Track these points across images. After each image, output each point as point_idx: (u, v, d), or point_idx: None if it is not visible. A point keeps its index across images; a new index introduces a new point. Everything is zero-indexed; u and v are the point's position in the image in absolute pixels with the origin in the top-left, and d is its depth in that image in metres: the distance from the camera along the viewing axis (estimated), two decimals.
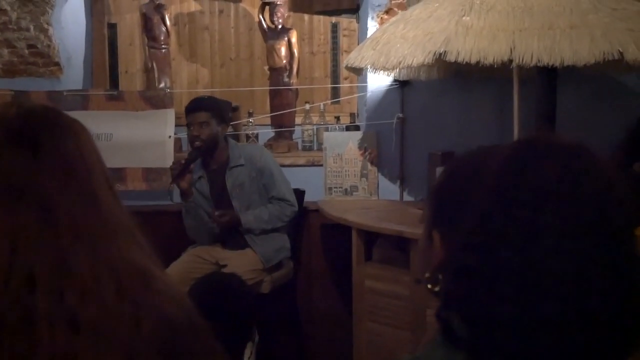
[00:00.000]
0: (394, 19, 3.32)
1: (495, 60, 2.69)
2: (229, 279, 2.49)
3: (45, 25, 3.94)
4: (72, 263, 0.94)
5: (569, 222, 0.76)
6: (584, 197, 0.77)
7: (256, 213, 3.45)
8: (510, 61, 2.72)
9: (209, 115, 3.39)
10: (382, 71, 3.33)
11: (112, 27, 4.39)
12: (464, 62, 2.74)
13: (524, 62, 2.68)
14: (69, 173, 1.00)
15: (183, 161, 3.37)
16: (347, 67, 3.42)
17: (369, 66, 3.14)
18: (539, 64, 2.67)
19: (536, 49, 2.66)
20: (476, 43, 2.69)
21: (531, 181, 0.78)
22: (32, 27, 3.94)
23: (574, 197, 0.77)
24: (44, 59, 4.01)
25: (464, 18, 2.79)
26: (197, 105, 3.43)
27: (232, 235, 3.48)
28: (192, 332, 1.04)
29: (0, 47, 3.96)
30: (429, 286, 0.91)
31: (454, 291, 0.81)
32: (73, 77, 4.11)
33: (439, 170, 3.48)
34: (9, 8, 3.88)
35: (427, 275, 0.92)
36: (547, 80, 3.11)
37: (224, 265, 3.36)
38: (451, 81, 3.78)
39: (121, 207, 1.09)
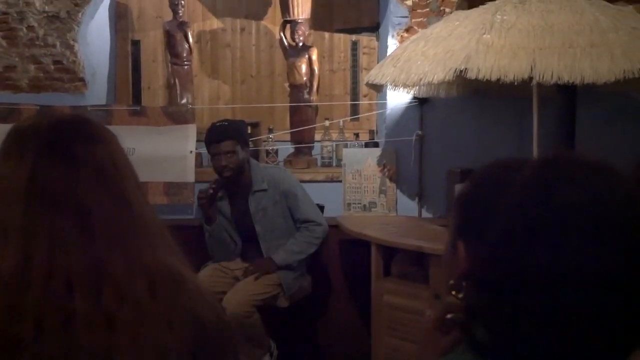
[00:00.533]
0: (414, 36, 3.36)
1: (515, 78, 2.72)
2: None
3: (71, 42, 4.02)
4: (108, 265, 0.99)
5: (593, 239, 0.77)
6: (608, 214, 0.79)
7: (287, 248, 3.43)
8: (531, 79, 2.75)
9: (234, 143, 3.35)
10: (402, 88, 3.37)
11: (136, 44, 4.47)
12: (484, 80, 2.78)
13: (544, 79, 2.70)
14: (102, 178, 1.04)
15: (211, 191, 3.36)
16: (367, 84, 3.47)
17: (389, 83, 3.18)
18: (559, 82, 2.70)
19: (556, 67, 2.69)
20: (497, 60, 2.72)
21: (556, 199, 0.79)
22: (58, 44, 4.02)
23: (598, 215, 0.78)
24: (69, 75, 4.10)
25: (484, 36, 2.83)
26: (221, 135, 3.37)
27: (252, 250, 3.51)
28: (222, 332, 1.07)
29: (27, 63, 4.05)
30: (453, 293, 0.91)
31: (477, 302, 0.83)
32: (97, 92, 4.19)
33: (457, 187, 3.51)
34: (36, 25, 3.97)
35: (451, 282, 0.92)
36: (566, 98, 3.13)
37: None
38: (470, 99, 3.81)
39: (151, 209, 1.13)
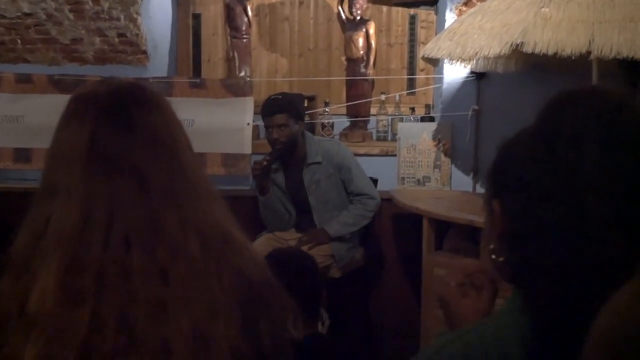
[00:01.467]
0: (471, 10, 3.33)
1: (573, 52, 2.67)
2: (301, 256, 2.57)
3: (135, 15, 4.13)
4: (162, 224, 1.05)
5: (609, 159, 0.80)
6: (623, 138, 0.81)
7: (340, 219, 3.48)
8: (589, 53, 2.70)
9: (286, 116, 3.38)
10: (458, 62, 3.35)
11: (197, 17, 4.56)
12: (541, 54, 2.74)
13: (602, 54, 2.65)
14: (158, 143, 1.11)
15: (265, 163, 3.42)
16: (423, 58, 3.46)
17: (445, 57, 3.17)
18: (618, 57, 2.64)
19: (616, 42, 2.64)
20: (554, 34, 2.68)
21: (571, 116, 0.84)
22: (122, 17, 4.14)
23: (613, 135, 0.81)
24: (132, 48, 4.22)
25: (542, 9, 2.78)
26: (274, 108, 3.41)
27: (306, 221, 3.57)
28: (269, 288, 1.13)
29: (93, 36, 4.19)
30: (493, 257, 0.93)
31: (515, 256, 0.85)
32: (158, 65, 4.30)
33: None
34: None
35: (491, 246, 0.94)
36: (627, 73, 3.05)
37: None
38: (528, 74, 3.75)
39: (205, 175, 1.20)
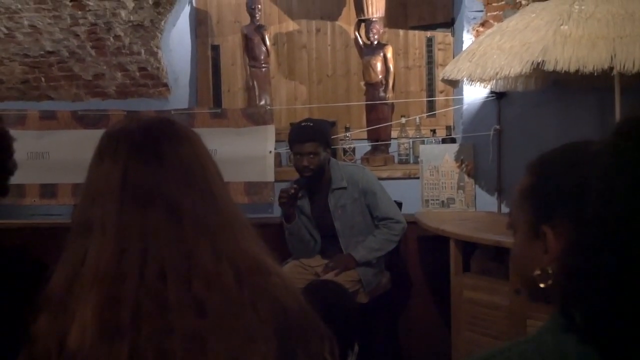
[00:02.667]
0: (489, 30, 3.34)
1: (595, 69, 2.66)
2: (336, 289, 2.55)
3: (155, 49, 4.20)
4: (197, 255, 1.06)
5: None
6: None
7: (366, 244, 3.46)
8: (611, 69, 2.68)
9: (317, 144, 3.36)
10: (478, 83, 3.35)
11: (215, 48, 4.61)
12: (563, 71, 2.73)
13: (625, 69, 2.64)
14: (189, 175, 1.12)
15: (292, 191, 3.40)
16: (443, 80, 3.46)
17: (465, 78, 3.17)
18: None
19: (638, 56, 2.62)
20: (575, 51, 2.68)
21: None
22: (143, 51, 4.21)
23: None
24: (153, 81, 4.28)
25: (562, 27, 2.78)
26: (305, 136, 3.38)
27: (332, 247, 3.56)
28: (305, 317, 1.12)
29: (114, 71, 4.25)
30: (541, 285, 0.90)
31: (577, 287, 0.80)
32: (179, 96, 4.35)
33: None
34: (122, 34, 4.16)
35: (537, 272, 0.91)
36: None
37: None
38: (549, 92, 3.74)
39: (235, 205, 1.20)
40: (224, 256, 1.08)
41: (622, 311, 0.76)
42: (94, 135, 1.18)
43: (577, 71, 2.70)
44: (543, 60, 2.72)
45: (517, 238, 0.97)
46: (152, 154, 1.11)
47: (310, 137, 3.38)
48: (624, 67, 2.64)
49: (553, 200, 0.89)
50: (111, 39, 4.15)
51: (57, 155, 4.07)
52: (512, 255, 0.99)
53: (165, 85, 4.26)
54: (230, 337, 1.03)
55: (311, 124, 3.48)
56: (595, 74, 2.72)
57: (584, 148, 0.89)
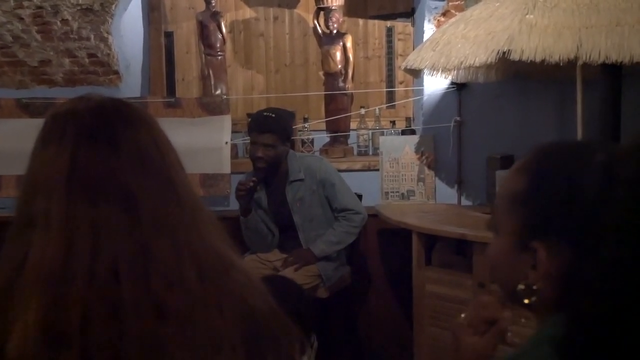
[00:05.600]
0: (453, 19, 3.28)
1: (561, 58, 2.63)
2: (287, 284, 2.48)
3: (105, 34, 4.02)
4: (155, 251, 0.95)
5: None
6: None
7: (325, 238, 3.38)
8: (577, 59, 2.65)
9: (275, 137, 3.28)
10: (440, 73, 3.30)
11: (169, 35, 4.46)
12: (528, 61, 2.69)
13: (591, 59, 2.62)
14: (146, 163, 1.00)
15: (251, 184, 3.30)
16: (405, 69, 3.40)
17: (428, 67, 3.11)
18: (606, 62, 2.61)
19: (604, 46, 2.60)
20: (541, 41, 2.64)
21: None
22: (92, 37, 4.02)
23: None
24: (103, 68, 4.10)
25: (527, 16, 2.74)
26: (264, 126, 3.30)
27: (290, 240, 3.47)
28: (275, 319, 1.03)
29: (62, 57, 4.06)
30: (525, 301, 0.85)
31: (574, 304, 0.75)
32: (131, 85, 4.18)
33: (499, 173, 3.43)
34: (70, 18, 3.96)
35: (521, 287, 0.85)
36: (612, 80, 3.02)
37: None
38: (510, 83, 3.72)
39: (197, 195, 1.09)
40: (186, 252, 0.97)
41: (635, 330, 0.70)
42: (40, 125, 1.05)
43: (542, 61, 2.67)
44: (509, 50, 2.67)
45: (499, 243, 0.90)
46: (104, 139, 0.98)
47: (269, 129, 3.29)
48: (589, 57, 2.61)
49: (550, 214, 0.81)
50: (58, 23, 3.95)
51: (1, 146, 3.88)
52: (492, 260, 0.92)
53: (116, 72, 4.09)
54: (193, 343, 0.93)
55: (273, 115, 3.37)
56: (561, 64, 2.68)
57: (587, 153, 0.82)
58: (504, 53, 2.69)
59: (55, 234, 0.93)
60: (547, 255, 0.81)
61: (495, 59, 2.73)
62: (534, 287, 0.83)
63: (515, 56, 2.66)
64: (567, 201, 0.79)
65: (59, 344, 0.88)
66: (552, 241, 0.80)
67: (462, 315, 0.99)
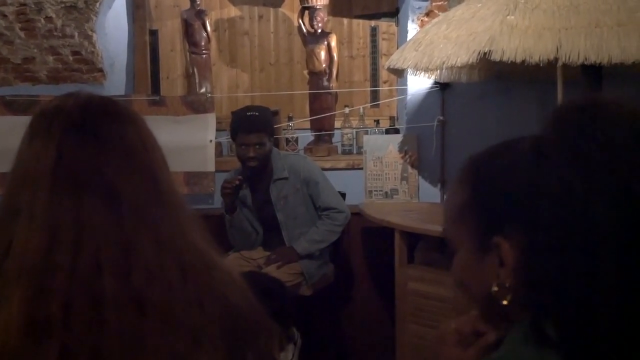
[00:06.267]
0: (435, 20, 3.31)
1: (541, 59, 2.66)
2: (268, 280, 2.49)
3: (90, 32, 4.00)
4: (137, 246, 0.96)
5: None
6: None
7: (308, 237, 3.40)
8: (556, 60, 2.69)
9: (264, 135, 3.30)
10: (423, 73, 3.32)
11: (154, 33, 4.45)
12: (509, 62, 2.72)
13: (570, 60, 2.64)
14: (132, 160, 1.02)
15: (237, 182, 3.31)
16: (388, 69, 3.42)
17: (411, 67, 3.13)
18: (586, 62, 2.64)
19: (583, 47, 2.63)
20: (521, 42, 2.67)
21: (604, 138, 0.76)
22: (76, 34, 4.00)
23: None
24: (87, 66, 4.08)
25: (508, 17, 2.77)
26: (252, 127, 3.30)
27: (274, 238, 3.49)
28: (255, 317, 1.05)
29: (46, 54, 4.04)
30: (503, 302, 0.82)
31: (543, 296, 0.77)
32: (116, 83, 4.18)
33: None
34: (54, 15, 3.95)
35: (494, 289, 0.83)
36: (592, 81, 3.06)
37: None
38: (492, 83, 3.75)
39: (180, 193, 1.11)
40: (168, 248, 0.98)
41: (597, 313, 0.73)
42: (24, 122, 1.06)
43: (523, 62, 2.69)
44: (490, 50, 2.70)
45: (461, 258, 0.89)
46: (91, 135, 1.00)
47: (256, 128, 3.30)
48: (569, 58, 2.64)
49: (501, 208, 0.82)
50: (42, 20, 3.94)
51: None
52: (458, 278, 0.90)
53: (101, 70, 4.08)
54: (173, 337, 0.94)
55: (257, 114, 3.38)
56: (541, 65, 2.71)
57: (516, 147, 0.84)
58: (485, 54, 2.72)
59: (39, 226, 0.94)
60: (509, 247, 0.81)
61: (477, 60, 2.76)
62: (507, 285, 0.82)
63: (496, 57, 2.68)
64: (511, 190, 0.81)
65: (41, 336, 0.90)
66: (510, 231, 0.81)
67: (453, 326, 0.98)
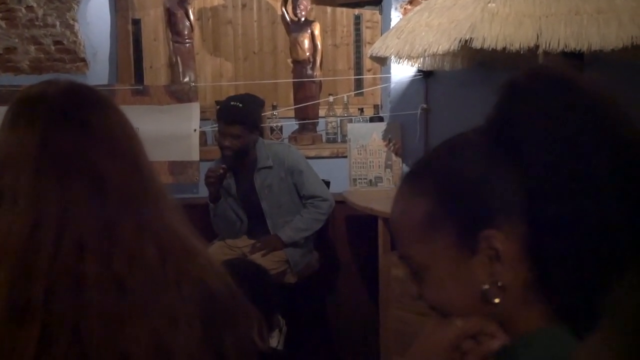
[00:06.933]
0: (418, 7, 3.32)
1: (521, 47, 2.67)
2: (250, 266, 2.50)
3: (71, 22, 3.98)
4: (119, 230, 0.98)
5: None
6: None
7: (293, 225, 3.42)
8: (537, 47, 2.70)
9: (242, 128, 3.29)
10: (406, 60, 3.33)
11: (137, 22, 4.43)
12: (490, 49, 2.73)
13: (550, 47, 2.66)
14: (115, 145, 1.04)
15: (221, 171, 3.31)
16: (371, 57, 3.42)
17: (393, 55, 3.14)
18: (565, 50, 2.66)
19: (563, 35, 2.65)
20: (502, 29, 2.68)
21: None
22: (58, 24, 3.98)
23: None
24: (70, 55, 4.06)
25: (489, 5, 2.78)
26: (231, 118, 3.30)
27: (259, 227, 3.50)
28: (233, 300, 1.07)
29: (27, 44, 4.02)
30: (496, 300, 0.77)
31: (571, 273, 0.74)
32: (99, 72, 4.16)
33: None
34: (35, 5, 3.92)
35: (485, 287, 0.77)
36: (573, 68, 3.08)
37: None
38: (475, 71, 3.76)
39: (160, 180, 1.13)
40: (148, 233, 1.01)
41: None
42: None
43: (503, 49, 2.71)
44: (471, 38, 2.71)
45: (436, 276, 0.81)
46: (77, 120, 1.02)
47: (235, 120, 3.29)
48: (549, 45, 2.66)
49: (483, 202, 0.78)
50: (23, 9, 3.91)
51: None
52: (434, 299, 0.82)
53: (83, 60, 4.06)
54: (151, 317, 0.96)
55: (240, 105, 3.36)
56: (522, 52, 2.73)
57: (467, 140, 0.84)
58: (466, 41, 2.73)
59: (23, 208, 0.96)
60: (505, 237, 0.76)
61: (458, 47, 2.77)
62: (500, 284, 0.77)
63: (477, 44, 2.70)
64: (487, 182, 0.79)
65: (22, 317, 0.91)
66: (502, 222, 0.76)
67: (458, 325, 0.88)
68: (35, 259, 0.93)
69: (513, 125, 0.81)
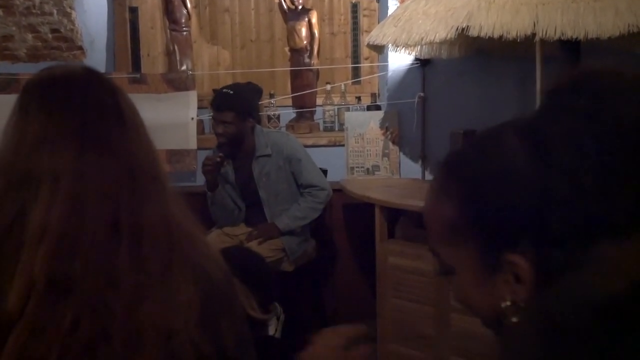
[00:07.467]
0: None
1: (518, 35, 2.67)
2: (246, 253, 2.51)
3: (68, 10, 3.98)
4: (147, 212, 1.02)
5: None
6: None
7: (290, 213, 3.44)
8: (534, 35, 2.70)
9: (234, 114, 3.32)
10: (403, 49, 3.33)
11: (134, 10, 4.42)
12: (487, 37, 2.73)
13: (547, 35, 2.66)
14: (139, 130, 1.09)
15: (218, 159, 3.34)
16: (368, 45, 3.42)
17: (390, 43, 3.14)
18: (562, 38, 2.66)
19: (560, 22, 2.65)
20: (499, 17, 2.68)
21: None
22: (55, 12, 3.98)
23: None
24: (67, 43, 4.06)
25: None
26: (222, 104, 3.34)
27: (256, 215, 3.51)
28: (230, 287, 1.09)
29: (25, 32, 4.01)
30: (513, 319, 0.73)
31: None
32: (96, 60, 4.15)
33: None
34: None
35: (507, 304, 0.74)
36: (570, 56, 3.08)
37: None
38: (472, 59, 3.76)
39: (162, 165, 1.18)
40: (165, 218, 1.05)
41: None
42: (3, 101, 1.10)
43: (500, 37, 2.71)
44: (468, 26, 2.71)
45: (464, 280, 0.79)
46: (109, 105, 1.07)
47: (226, 106, 3.31)
48: (546, 33, 2.66)
49: (508, 223, 0.72)
50: None
51: None
52: (465, 300, 0.81)
53: (80, 48, 4.05)
54: (161, 297, 1.00)
55: (231, 92, 3.39)
56: (518, 40, 2.73)
57: (505, 142, 0.74)
58: (463, 29, 2.73)
59: (65, 186, 0.99)
60: (526, 262, 0.71)
61: (455, 35, 2.77)
62: (521, 304, 0.73)
63: (473, 32, 2.70)
64: (512, 202, 0.71)
65: (61, 290, 0.95)
66: (524, 246, 0.71)
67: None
68: (76, 235, 0.97)
69: (556, 145, 0.71)
